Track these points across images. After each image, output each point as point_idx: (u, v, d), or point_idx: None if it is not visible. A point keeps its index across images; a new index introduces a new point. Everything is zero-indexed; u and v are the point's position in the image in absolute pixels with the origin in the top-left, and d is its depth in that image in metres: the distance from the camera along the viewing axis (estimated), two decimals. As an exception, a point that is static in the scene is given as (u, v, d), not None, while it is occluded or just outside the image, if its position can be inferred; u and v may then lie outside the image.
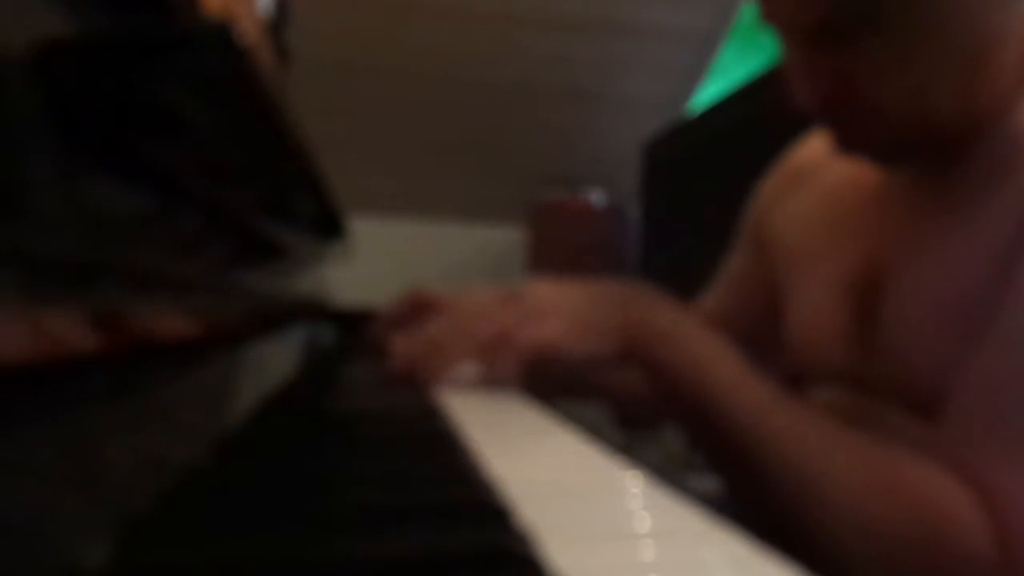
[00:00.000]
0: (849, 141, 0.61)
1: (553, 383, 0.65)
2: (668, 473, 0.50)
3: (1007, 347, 0.51)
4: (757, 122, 1.67)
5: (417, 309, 0.75)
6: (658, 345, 0.57)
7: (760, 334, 0.78)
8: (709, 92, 2.68)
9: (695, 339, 0.58)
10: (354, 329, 1.13)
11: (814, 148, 0.77)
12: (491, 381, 0.59)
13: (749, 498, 0.57)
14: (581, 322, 0.58)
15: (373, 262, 2.27)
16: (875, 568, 0.51)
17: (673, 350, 0.57)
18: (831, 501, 0.52)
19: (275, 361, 0.68)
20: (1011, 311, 0.51)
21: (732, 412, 0.54)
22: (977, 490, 0.49)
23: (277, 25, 1.29)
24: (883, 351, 0.60)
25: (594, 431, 0.50)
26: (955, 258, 0.56)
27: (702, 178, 2.17)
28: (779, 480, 0.53)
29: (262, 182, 0.57)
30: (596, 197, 2.86)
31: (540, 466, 0.40)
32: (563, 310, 0.58)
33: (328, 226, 0.91)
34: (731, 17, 2.52)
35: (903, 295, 0.59)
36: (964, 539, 0.49)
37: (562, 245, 2.80)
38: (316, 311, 1.05)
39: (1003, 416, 0.51)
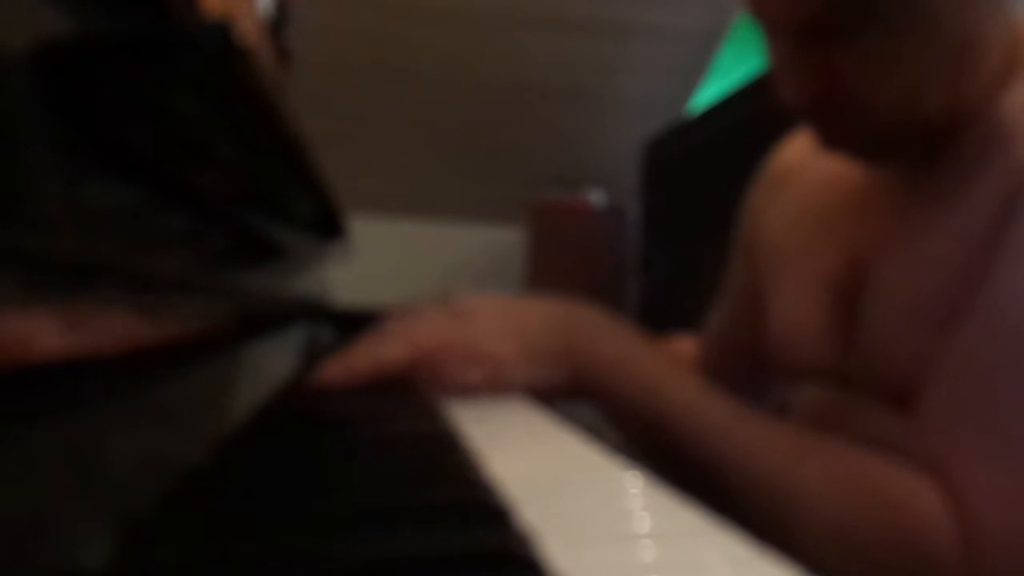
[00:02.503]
0: (834, 138, 0.61)
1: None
2: (668, 473, 0.50)
3: (978, 337, 0.51)
4: (757, 122, 1.67)
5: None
6: (608, 372, 0.56)
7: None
8: (709, 92, 2.68)
9: (646, 362, 0.56)
10: (354, 329, 1.13)
11: (794, 149, 0.77)
12: (437, 389, 0.56)
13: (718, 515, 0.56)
14: (529, 346, 0.56)
15: (373, 262, 2.27)
16: (850, 572, 0.50)
17: (624, 376, 0.55)
18: (803, 510, 0.51)
19: (275, 361, 0.68)
20: (982, 305, 0.51)
21: (694, 433, 0.53)
22: (948, 488, 0.49)
23: (277, 25, 1.29)
24: (863, 347, 0.60)
25: (594, 431, 0.50)
26: (933, 253, 0.56)
27: (702, 178, 2.17)
28: (749, 495, 0.52)
29: (262, 182, 0.57)
30: (596, 197, 2.86)
31: (540, 466, 0.40)
32: (512, 329, 0.56)
33: (328, 226, 0.91)
34: (731, 17, 2.51)
35: (883, 291, 0.59)
36: (937, 540, 0.49)
37: (562, 245, 2.80)
38: (316, 311, 1.05)
39: (972, 410, 0.51)
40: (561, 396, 0.57)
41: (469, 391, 0.56)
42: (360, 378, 0.56)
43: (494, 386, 0.56)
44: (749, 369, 0.66)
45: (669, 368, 0.57)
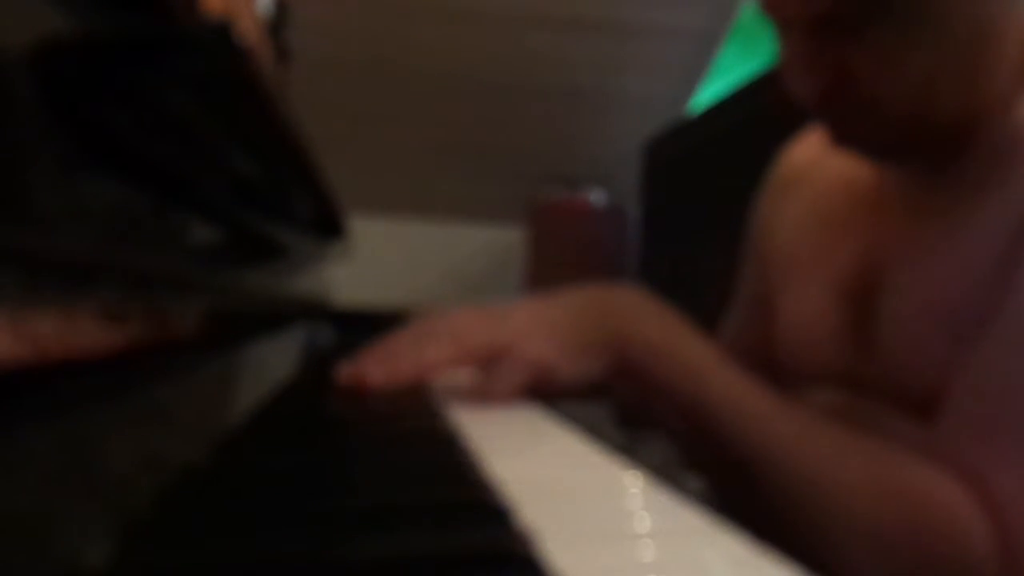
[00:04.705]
0: (847, 135, 0.60)
1: (553, 393, 0.64)
2: (668, 473, 0.50)
3: (1004, 348, 0.51)
4: (757, 122, 1.67)
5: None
6: (650, 357, 0.55)
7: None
8: (709, 92, 2.68)
9: (689, 347, 0.56)
10: (354, 329, 1.13)
11: (806, 149, 0.77)
12: (490, 396, 0.55)
13: (748, 508, 0.56)
14: (568, 339, 0.56)
15: (373, 262, 2.27)
16: (878, 571, 0.50)
17: (666, 361, 0.55)
18: (840, 507, 0.51)
19: (275, 361, 0.68)
20: (1009, 312, 0.51)
21: (734, 421, 0.53)
22: (977, 491, 0.49)
23: (277, 25, 1.29)
24: (878, 351, 0.60)
25: (594, 431, 0.50)
26: (951, 258, 0.55)
27: (702, 178, 2.17)
28: (784, 489, 0.52)
29: (262, 182, 0.57)
30: (596, 197, 2.86)
31: (540, 466, 0.40)
32: (549, 327, 0.56)
33: (328, 226, 0.91)
34: (731, 17, 2.51)
35: (898, 295, 0.59)
36: (968, 541, 0.49)
37: (562, 245, 2.80)
38: (316, 311, 1.05)
39: (999, 417, 0.51)
40: (607, 382, 0.57)
41: (515, 394, 0.55)
42: (403, 380, 0.55)
43: (541, 386, 0.55)
44: (762, 373, 0.66)
45: (713, 355, 0.56)
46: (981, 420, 0.51)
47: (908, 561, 0.50)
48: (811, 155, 0.74)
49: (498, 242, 3.12)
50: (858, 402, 0.62)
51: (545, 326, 0.56)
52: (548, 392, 0.56)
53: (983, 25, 0.54)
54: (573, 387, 0.56)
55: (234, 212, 0.53)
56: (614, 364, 0.56)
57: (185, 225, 0.43)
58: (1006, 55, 0.55)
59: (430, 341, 0.56)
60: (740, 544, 0.26)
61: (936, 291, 0.56)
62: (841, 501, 0.51)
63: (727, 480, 0.58)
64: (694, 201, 2.22)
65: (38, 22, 0.26)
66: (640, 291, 0.59)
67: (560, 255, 2.77)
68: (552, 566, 0.23)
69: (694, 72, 2.72)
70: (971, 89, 0.55)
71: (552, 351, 0.55)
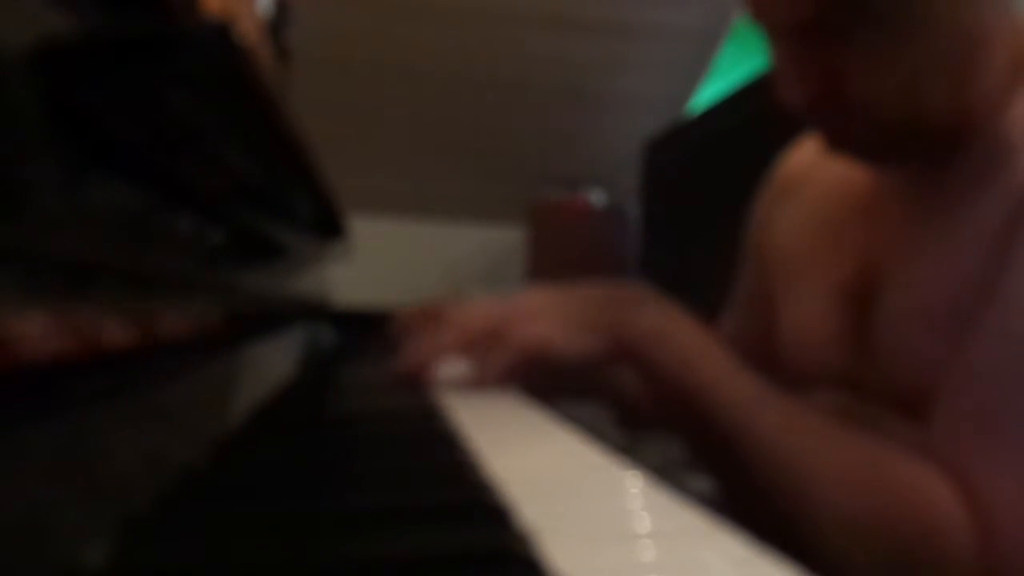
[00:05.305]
0: (839, 139, 0.61)
1: (552, 383, 0.65)
2: (668, 473, 0.50)
3: (991, 345, 0.51)
4: (757, 122, 1.67)
5: (428, 319, 0.75)
6: (647, 343, 0.57)
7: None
8: (709, 92, 2.69)
9: (684, 336, 0.58)
10: (354, 329, 1.13)
11: (804, 154, 0.77)
12: (482, 380, 0.59)
13: (741, 496, 0.57)
14: (570, 322, 0.58)
15: (373, 262, 2.27)
16: (861, 563, 0.51)
17: (662, 348, 0.57)
18: (819, 497, 0.52)
19: (275, 361, 0.68)
20: (996, 310, 0.51)
21: (722, 408, 0.55)
22: (963, 486, 0.50)
23: (277, 25, 1.29)
24: (876, 354, 0.60)
25: (594, 431, 0.50)
26: (946, 260, 0.56)
27: (702, 178, 2.17)
28: (768, 475, 0.53)
29: (262, 182, 0.57)
30: (596, 197, 2.86)
31: (540, 466, 0.40)
32: (552, 311, 0.58)
33: (328, 226, 0.91)
34: (731, 17, 2.52)
35: (895, 298, 0.59)
36: (950, 535, 0.49)
37: (562, 245, 2.80)
38: (316, 311, 1.05)
39: (988, 413, 0.51)
40: (604, 365, 0.60)
41: (508, 377, 0.57)
42: (428, 367, 0.61)
43: (542, 364, 0.58)
44: (760, 373, 0.67)
45: (707, 343, 0.58)
46: (968, 417, 0.52)
47: (885, 550, 0.50)
48: (810, 159, 0.75)
49: (498, 242, 3.12)
50: (858, 404, 0.62)
51: (548, 309, 0.59)
52: (545, 371, 0.59)
53: (971, 27, 0.54)
54: (569, 366, 0.58)
55: (234, 212, 0.53)
56: (612, 348, 0.58)
57: (185, 225, 0.43)
58: (995, 56, 0.55)
59: (443, 330, 0.61)
60: (740, 544, 0.26)
61: (933, 292, 0.56)
62: (818, 489, 0.52)
63: (718, 465, 0.59)
64: (694, 201, 2.22)
65: (38, 22, 0.26)
66: (642, 287, 0.61)
67: (560, 255, 2.77)
68: (552, 566, 0.24)
69: (694, 72, 2.72)
70: (961, 90, 0.55)
71: (550, 330, 0.57)
